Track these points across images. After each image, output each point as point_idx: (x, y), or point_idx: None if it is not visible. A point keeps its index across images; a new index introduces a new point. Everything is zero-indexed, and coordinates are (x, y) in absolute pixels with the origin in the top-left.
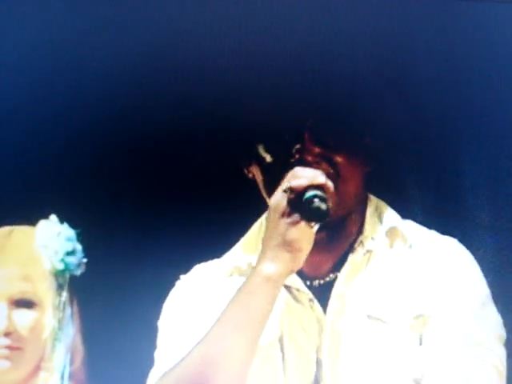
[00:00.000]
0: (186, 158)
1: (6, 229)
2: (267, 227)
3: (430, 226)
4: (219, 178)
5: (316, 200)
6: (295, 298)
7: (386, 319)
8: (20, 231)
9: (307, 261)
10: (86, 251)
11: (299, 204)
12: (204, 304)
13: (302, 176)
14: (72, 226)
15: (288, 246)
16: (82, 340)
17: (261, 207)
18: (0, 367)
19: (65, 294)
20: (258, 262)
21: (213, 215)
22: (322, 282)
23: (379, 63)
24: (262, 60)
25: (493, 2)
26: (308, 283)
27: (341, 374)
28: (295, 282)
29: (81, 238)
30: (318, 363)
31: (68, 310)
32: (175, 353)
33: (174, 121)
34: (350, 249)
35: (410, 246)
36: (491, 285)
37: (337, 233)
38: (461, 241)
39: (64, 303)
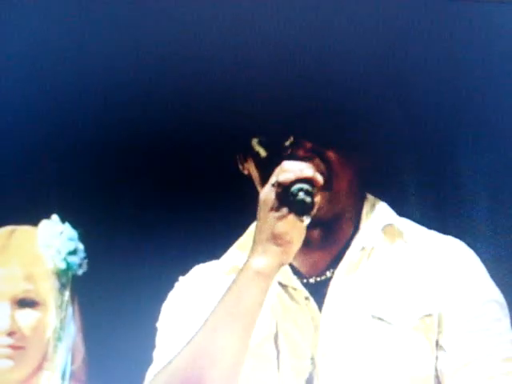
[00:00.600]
0: (185, 159)
1: (8, 228)
2: (257, 221)
3: (428, 226)
4: (218, 178)
5: (301, 193)
6: (291, 297)
7: (386, 318)
8: (22, 231)
9: (303, 259)
10: (88, 251)
11: (287, 198)
12: (202, 305)
13: (290, 170)
14: (74, 225)
15: (277, 239)
16: (83, 339)
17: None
18: (3, 366)
19: (67, 293)
20: (249, 256)
21: (212, 216)
22: (318, 279)
23: (377, 60)
24: (256, 56)
25: (492, 2)
26: (304, 281)
27: (335, 372)
28: (292, 280)
29: (82, 237)
30: (313, 361)
31: (70, 310)
32: (173, 352)
33: (170, 118)
34: (346, 246)
35: (407, 243)
36: None
37: (332, 231)
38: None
39: (66, 303)
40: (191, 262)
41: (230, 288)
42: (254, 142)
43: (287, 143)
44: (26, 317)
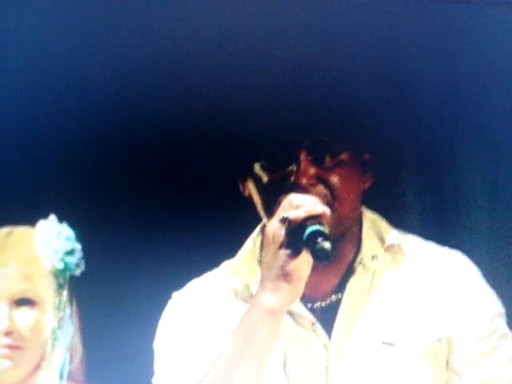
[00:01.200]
0: (184, 168)
1: (6, 229)
2: (265, 257)
3: (428, 236)
4: (215, 192)
5: (319, 240)
6: (297, 323)
7: (396, 343)
8: (20, 231)
9: (308, 284)
10: (85, 251)
11: (298, 237)
12: (200, 327)
13: (299, 205)
14: (71, 225)
15: (288, 276)
16: (81, 339)
17: (254, 221)
18: (1, 366)
19: (65, 293)
20: (258, 293)
21: (208, 222)
22: (323, 304)
23: (377, 70)
24: (258, 79)
25: (488, 5)
26: (309, 306)
27: None
28: (297, 307)
29: (80, 237)
30: None
31: (68, 310)
32: (174, 378)
33: (171, 128)
34: (351, 268)
35: (410, 262)
36: None
37: (334, 252)
38: (459, 249)
39: (64, 303)
40: (190, 263)
41: (240, 327)
42: (257, 166)
43: (289, 169)
44: (24, 317)
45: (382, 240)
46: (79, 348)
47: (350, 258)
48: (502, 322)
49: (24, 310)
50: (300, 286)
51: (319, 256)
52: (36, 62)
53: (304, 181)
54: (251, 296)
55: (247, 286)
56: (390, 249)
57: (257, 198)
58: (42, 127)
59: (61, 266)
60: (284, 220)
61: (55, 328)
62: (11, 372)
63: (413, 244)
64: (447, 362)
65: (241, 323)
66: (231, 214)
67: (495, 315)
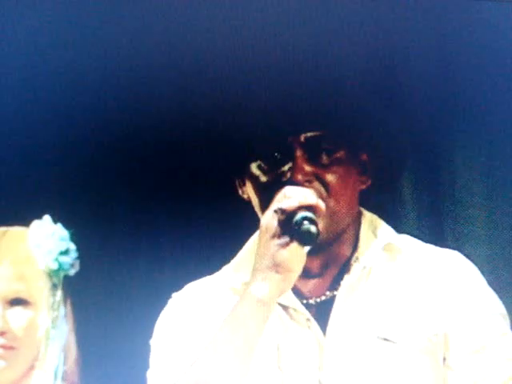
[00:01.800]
0: (182, 169)
1: (0, 230)
2: (258, 248)
3: (425, 238)
4: (214, 194)
5: (306, 222)
6: (292, 318)
7: (391, 338)
8: (14, 232)
9: (303, 280)
10: (80, 251)
11: (290, 225)
12: (198, 325)
13: (292, 196)
14: (66, 226)
15: (278, 267)
16: (76, 340)
17: (254, 225)
18: None
19: (59, 293)
20: (249, 283)
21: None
22: (318, 300)
23: (375, 71)
24: (254, 77)
25: (488, 1)
26: (304, 302)
27: None
28: (292, 302)
29: (74, 238)
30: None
31: (62, 310)
32: (167, 373)
33: (171, 131)
34: (346, 266)
35: (407, 261)
36: None
37: (332, 253)
38: (457, 250)
39: (58, 303)
40: (186, 264)
41: (229, 316)
42: (253, 166)
43: (286, 168)
44: (18, 317)
45: (379, 239)
46: (74, 348)
47: (347, 256)
48: (502, 321)
49: (18, 310)
50: (290, 278)
51: (304, 238)
52: (30, 62)
53: (300, 177)
54: None
55: (246, 285)
56: (387, 247)
57: (255, 198)
58: (36, 127)
59: (55, 266)
60: (277, 210)
61: (49, 328)
62: (5, 372)
63: (410, 243)
64: (444, 359)
65: (231, 312)
66: (230, 217)
67: (494, 313)
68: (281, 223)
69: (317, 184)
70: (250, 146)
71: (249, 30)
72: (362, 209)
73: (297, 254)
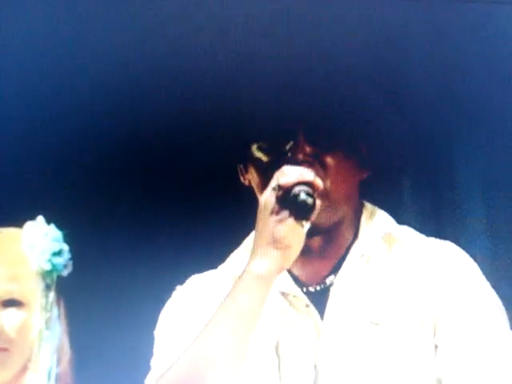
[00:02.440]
0: (181, 164)
1: None
2: (257, 225)
3: (425, 232)
4: (216, 186)
5: (302, 194)
6: (291, 304)
7: (385, 324)
8: (7, 233)
9: (303, 267)
10: (73, 252)
11: (287, 200)
12: (200, 314)
13: (290, 173)
14: (59, 227)
15: (277, 243)
16: (69, 341)
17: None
18: None
19: (52, 294)
20: (249, 260)
21: (208, 220)
22: (318, 287)
23: (376, 67)
24: (256, 61)
25: (489, 3)
26: (304, 289)
27: (338, 378)
28: (292, 288)
29: (68, 238)
30: (316, 369)
31: (55, 311)
32: (171, 360)
33: (167, 124)
34: (346, 254)
35: (405, 250)
36: None
37: (332, 238)
38: (456, 243)
39: (51, 304)
40: (184, 266)
41: (229, 292)
42: (254, 147)
43: (287, 147)
44: (10, 318)
45: (379, 228)
46: (67, 349)
47: (347, 245)
48: (495, 310)
49: (10, 311)
50: (289, 255)
51: (300, 210)
52: (26, 63)
53: (300, 156)
54: None
55: None
56: (386, 237)
57: (256, 180)
58: (29, 128)
59: (48, 267)
60: (275, 188)
61: (42, 329)
62: None
63: (409, 234)
64: (436, 346)
65: (232, 288)
66: (233, 209)
67: (488, 303)
68: (279, 199)
69: (317, 165)
70: (251, 128)
71: (253, 20)
72: (365, 201)
73: (295, 231)
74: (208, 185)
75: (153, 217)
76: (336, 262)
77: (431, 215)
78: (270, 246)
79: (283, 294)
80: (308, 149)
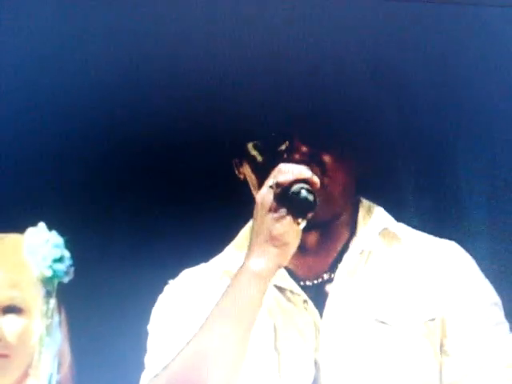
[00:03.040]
0: (177, 162)
1: None
2: (254, 223)
3: (425, 231)
4: (208, 181)
5: (303, 191)
6: (289, 300)
7: (389, 321)
8: (8, 238)
9: (299, 263)
10: (74, 259)
11: (285, 198)
12: (194, 308)
13: (288, 171)
14: (60, 233)
15: (275, 240)
16: (70, 348)
17: (252, 211)
18: None
19: (53, 301)
20: (246, 257)
21: (203, 219)
22: (315, 282)
23: (374, 64)
24: (252, 60)
25: (489, 6)
26: (301, 283)
27: (339, 375)
28: (289, 283)
29: (69, 245)
30: (316, 365)
31: (56, 318)
32: (166, 357)
33: (163, 124)
34: (344, 250)
35: (404, 247)
36: None
37: (328, 235)
38: (457, 242)
39: (52, 310)
40: (180, 269)
41: (226, 290)
42: (250, 146)
43: (283, 147)
44: (11, 324)
45: (376, 224)
46: (67, 356)
47: (344, 240)
48: (498, 311)
49: (11, 318)
50: (286, 252)
51: (301, 207)
52: (26, 68)
53: (297, 157)
54: None
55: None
56: (384, 232)
57: (252, 178)
58: (31, 134)
59: (49, 273)
60: (273, 185)
61: (43, 335)
62: None
63: (408, 230)
64: (441, 345)
65: (229, 286)
66: (226, 202)
67: (489, 303)
68: (276, 197)
69: (313, 164)
70: (247, 127)
71: (250, 19)
72: (361, 197)
73: (293, 228)
74: (201, 180)
75: (153, 223)
76: (333, 257)
77: (432, 214)
78: (268, 243)
79: (280, 288)
80: (304, 148)
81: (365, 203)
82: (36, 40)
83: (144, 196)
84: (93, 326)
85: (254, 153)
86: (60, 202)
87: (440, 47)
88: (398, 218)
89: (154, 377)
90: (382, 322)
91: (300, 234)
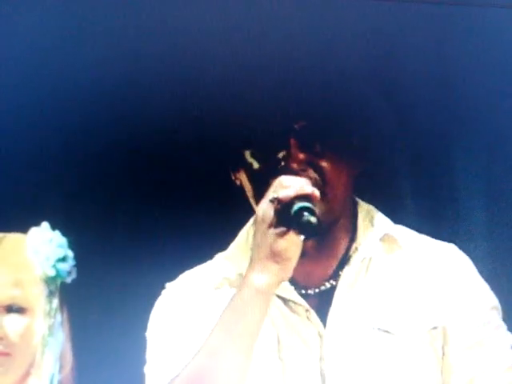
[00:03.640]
0: (176, 167)
1: None
2: (255, 237)
3: (423, 231)
4: (206, 185)
5: (305, 213)
6: (291, 309)
7: (392, 330)
8: (12, 238)
9: (299, 270)
10: (77, 258)
11: (287, 215)
12: (193, 315)
13: (289, 186)
14: (64, 233)
15: (276, 256)
16: (72, 347)
17: (247, 214)
18: None
19: (56, 300)
20: (248, 273)
21: (201, 222)
22: (317, 290)
23: (370, 67)
24: (249, 68)
25: (485, 7)
26: (303, 292)
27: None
28: (290, 294)
29: (72, 245)
30: (322, 375)
31: (58, 317)
32: (166, 366)
33: (163, 128)
34: (345, 256)
35: (405, 252)
36: None
37: (326, 239)
38: (455, 244)
39: (55, 310)
40: (182, 267)
41: (228, 307)
42: (247, 154)
43: (280, 155)
44: (14, 323)
45: (376, 229)
46: (69, 356)
47: (344, 246)
48: (496, 315)
49: (14, 317)
50: (289, 267)
51: (305, 230)
52: (27, 67)
53: (294, 165)
54: None
55: (240, 275)
56: (385, 238)
57: (248, 186)
58: (35, 134)
59: (52, 273)
60: (273, 200)
61: (45, 335)
62: (0, 378)
63: (408, 234)
64: (443, 353)
65: (231, 303)
66: (222, 206)
67: (489, 307)
68: (277, 213)
69: (311, 171)
70: (244, 135)
71: (245, 23)
72: (358, 199)
73: (294, 243)
74: (199, 182)
75: (154, 225)
76: (334, 263)
77: (430, 216)
78: (270, 259)
79: (282, 298)
80: (301, 156)
81: (363, 205)
82: (36, 40)
83: (145, 199)
84: (95, 326)
85: (251, 161)
86: (64, 203)
87: (435, 47)
88: (396, 221)
89: None
90: (386, 331)
91: (301, 246)
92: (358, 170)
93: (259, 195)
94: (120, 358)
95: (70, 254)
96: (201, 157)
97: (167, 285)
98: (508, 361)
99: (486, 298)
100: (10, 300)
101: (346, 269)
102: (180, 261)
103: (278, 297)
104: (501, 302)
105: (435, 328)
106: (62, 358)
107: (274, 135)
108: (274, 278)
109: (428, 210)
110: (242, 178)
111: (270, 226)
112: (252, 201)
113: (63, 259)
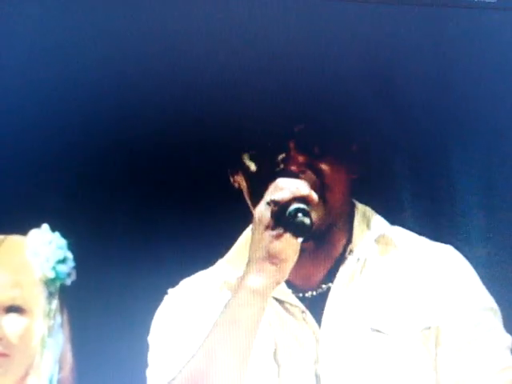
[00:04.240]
0: (175, 170)
1: None
2: (252, 239)
3: (421, 235)
4: (206, 189)
5: (299, 214)
6: (288, 311)
7: (385, 330)
8: (11, 240)
9: (297, 272)
10: (77, 260)
11: (283, 217)
12: (194, 319)
13: (285, 188)
14: (64, 235)
15: (273, 258)
16: (71, 349)
17: (248, 219)
18: None
19: (55, 302)
20: (244, 275)
21: (201, 224)
22: (314, 293)
23: (368, 70)
24: (248, 70)
25: (484, 8)
26: (300, 295)
27: None
28: (287, 296)
29: (72, 247)
30: (318, 377)
31: (58, 319)
32: (167, 370)
33: (162, 131)
34: (341, 258)
35: (400, 253)
36: None
37: (324, 242)
38: (453, 246)
39: (54, 311)
40: (182, 269)
41: (225, 308)
42: (245, 156)
43: (279, 158)
44: (13, 324)
45: (372, 231)
46: (69, 357)
47: (341, 248)
48: (491, 316)
49: (13, 318)
50: (285, 268)
51: (298, 230)
52: (26, 68)
53: (294, 168)
54: None
55: (240, 279)
56: (380, 239)
57: (247, 189)
58: (34, 136)
59: (52, 274)
60: (270, 202)
61: (44, 336)
62: None
63: (403, 235)
64: (436, 353)
65: (228, 304)
66: (222, 211)
67: (481, 308)
68: (274, 215)
69: (310, 174)
70: (243, 137)
71: (245, 25)
72: (355, 201)
73: (291, 245)
74: (199, 187)
75: (154, 227)
76: (330, 266)
77: (428, 218)
78: (266, 260)
79: (279, 300)
80: (301, 158)
81: (360, 207)
82: (36, 39)
83: (145, 200)
84: (95, 327)
85: (249, 163)
86: (64, 204)
87: (434, 50)
88: (394, 222)
89: None
90: (381, 332)
91: (298, 248)
92: (356, 175)
93: (257, 196)
94: (120, 360)
95: (70, 255)
96: (200, 159)
97: (169, 290)
98: (502, 362)
99: (480, 298)
100: (9, 301)
101: (341, 270)
102: (180, 262)
103: (275, 299)
104: (499, 304)
105: (428, 328)
106: (61, 359)
107: (274, 138)
108: (270, 280)
109: (427, 211)
110: (241, 181)
111: (267, 227)
112: (249, 202)
113: (63, 261)
